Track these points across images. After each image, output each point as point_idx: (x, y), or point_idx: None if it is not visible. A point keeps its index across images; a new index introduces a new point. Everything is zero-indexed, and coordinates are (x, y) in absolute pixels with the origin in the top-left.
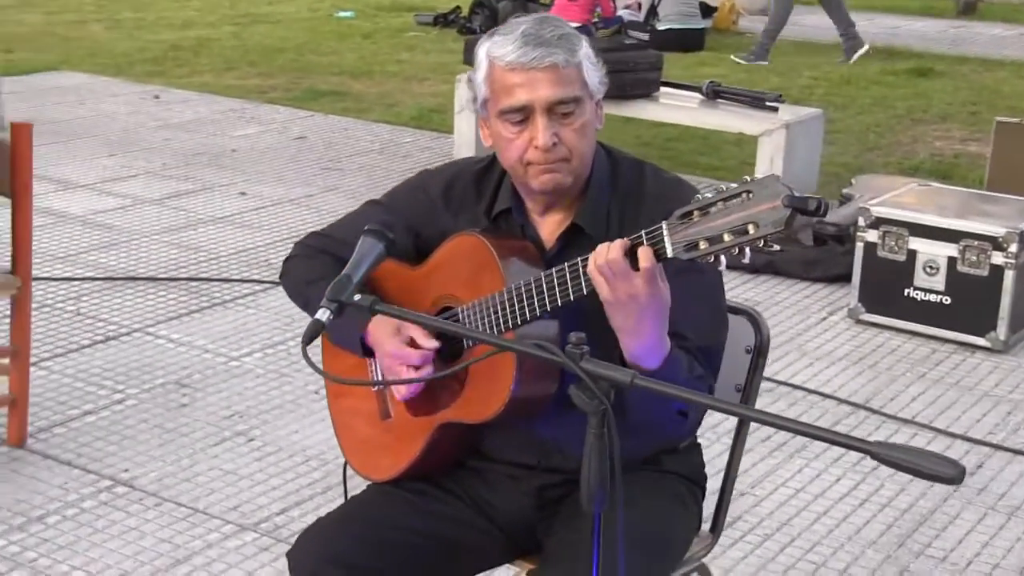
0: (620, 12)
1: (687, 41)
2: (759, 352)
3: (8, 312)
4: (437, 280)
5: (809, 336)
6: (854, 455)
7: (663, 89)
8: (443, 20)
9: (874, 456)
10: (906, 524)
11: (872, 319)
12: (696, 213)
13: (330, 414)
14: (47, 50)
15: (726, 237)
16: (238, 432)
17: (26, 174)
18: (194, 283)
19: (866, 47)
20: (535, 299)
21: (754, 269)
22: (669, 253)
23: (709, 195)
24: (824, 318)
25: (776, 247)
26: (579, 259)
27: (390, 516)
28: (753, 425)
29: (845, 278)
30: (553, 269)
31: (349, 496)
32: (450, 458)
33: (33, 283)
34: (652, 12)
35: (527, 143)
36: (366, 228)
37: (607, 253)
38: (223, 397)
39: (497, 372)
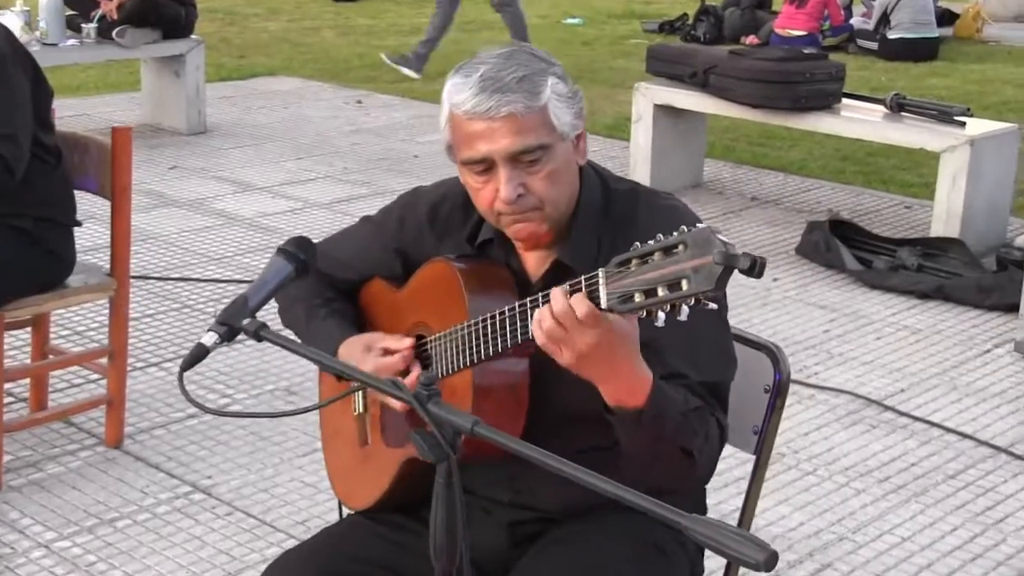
0: (853, 20)
1: (919, 50)
2: (779, 391)
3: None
4: (414, 306)
5: (965, 370)
6: (981, 502)
7: (845, 101)
8: (668, 27)
9: (684, 531)
10: None
11: None
12: (634, 261)
13: (321, 436)
14: (276, 55)
15: (660, 291)
16: None
17: (125, 177)
18: None
19: (414, 76)
20: (494, 334)
21: (923, 295)
22: (603, 304)
23: (650, 243)
24: (987, 351)
25: (713, 305)
26: (528, 299)
27: (358, 550)
28: (873, 462)
29: None
30: (516, 303)
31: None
32: (425, 488)
33: (180, 283)
34: (884, 20)
35: (493, 193)
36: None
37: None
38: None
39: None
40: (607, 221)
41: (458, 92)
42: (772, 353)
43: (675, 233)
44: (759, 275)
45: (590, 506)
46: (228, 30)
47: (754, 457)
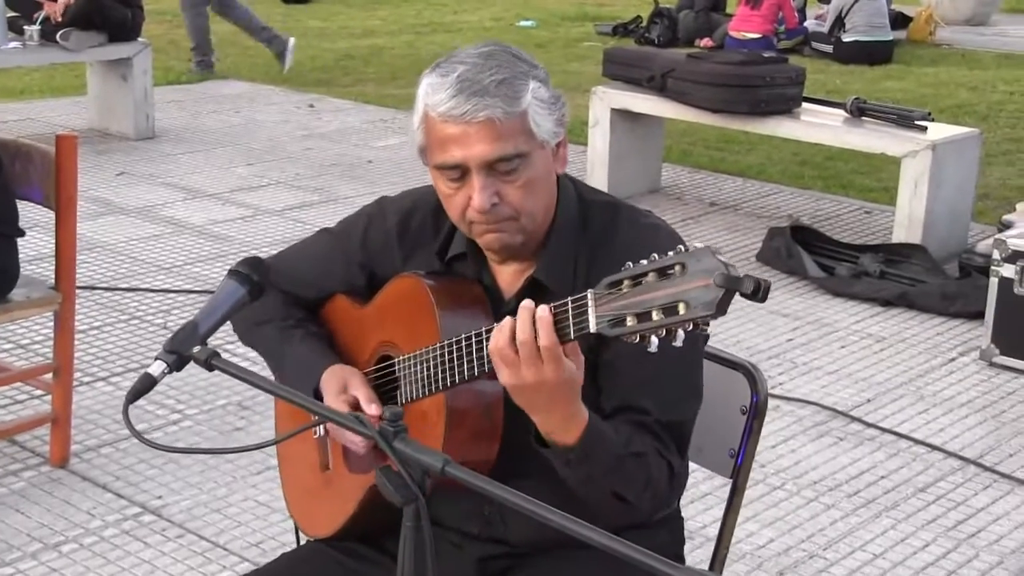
0: (808, 23)
1: (874, 53)
2: (756, 413)
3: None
4: (380, 324)
5: (931, 379)
6: (952, 516)
7: (805, 105)
8: (622, 30)
9: None
10: None
11: (1006, 362)
12: (626, 282)
13: (277, 456)
14: (226, 58)
15: (655, 316)
16: None
17: (70, 187)
18: None
19: (291, 42)
20: (468, 357)
21: (886, 302)
22: (592, 328)
23: (644, 263)
24: (952, 359)
25: (706, 330)
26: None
27: None
28: (841, 475)
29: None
30: (484, 328)
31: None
32: (390, 518)
33: (128, 294)
34: (838, 23)
35: (466, 200)
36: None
37: (497, 337)
38: None
39: (425, 436)
40: (584, 236)
41: (434, 92)
42: (749, 373)
43: (671, 253)
44: (763, 299)
45: (563, 541)
46: (176, 32)
47: (730, 481)
